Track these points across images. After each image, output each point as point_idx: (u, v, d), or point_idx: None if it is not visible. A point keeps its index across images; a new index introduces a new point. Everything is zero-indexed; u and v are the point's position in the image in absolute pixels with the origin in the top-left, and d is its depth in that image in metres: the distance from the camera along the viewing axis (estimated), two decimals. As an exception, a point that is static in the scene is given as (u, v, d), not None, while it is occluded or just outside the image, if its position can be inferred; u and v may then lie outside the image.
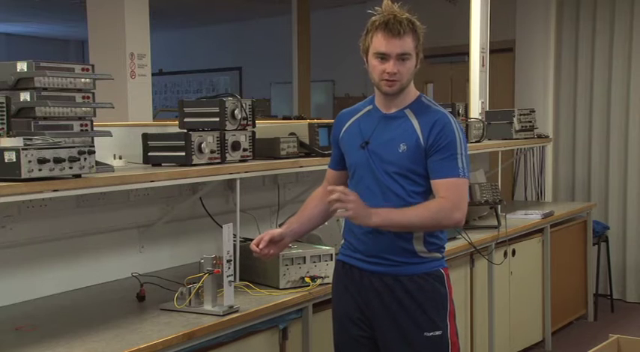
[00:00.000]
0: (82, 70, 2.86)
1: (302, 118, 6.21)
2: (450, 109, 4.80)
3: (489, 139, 5.53)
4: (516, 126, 5.70)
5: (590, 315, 6.05)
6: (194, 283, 2.86)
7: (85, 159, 2.57)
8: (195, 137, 3.18)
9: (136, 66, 5.46)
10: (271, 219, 4.07)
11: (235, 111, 3.35)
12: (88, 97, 2.86)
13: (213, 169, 3.22)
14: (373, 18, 2.57)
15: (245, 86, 11.23)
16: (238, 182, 3.32)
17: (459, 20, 7.23)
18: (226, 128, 3.31)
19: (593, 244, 6.12)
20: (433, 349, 2.64)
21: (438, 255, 2.69)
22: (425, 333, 2.62)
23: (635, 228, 6.52)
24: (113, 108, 2.97)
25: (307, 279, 3.17)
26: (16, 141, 2.46)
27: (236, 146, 3.35)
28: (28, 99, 2.68)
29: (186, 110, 3.38)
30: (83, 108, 2.83)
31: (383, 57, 2.55)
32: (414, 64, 2.59)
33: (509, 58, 7.22)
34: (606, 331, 4.82)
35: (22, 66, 2.71)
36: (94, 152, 2.63)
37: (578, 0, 6.77)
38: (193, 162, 3.17)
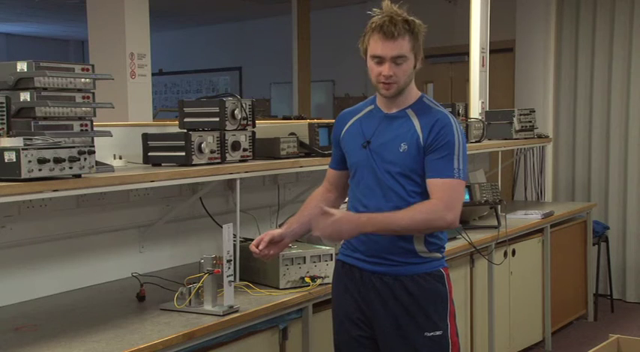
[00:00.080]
0: (82, 70, 2.86)
1: (302, 118, 6.20)
2: (450, 109, 4.80)
3: (489, 139, 5.53)
4: (516, 126, 5.70)
5: (590, 315, 6.05)
6: (194, 283, 2.86)
7: (85, 159, 2.57)
8: (195, 137, 3.18)
9: (136, 66, 5.46)
10: (271, 219, 4.07)
11: (235, 111, 3.35)
12: (88, 97, 2.86)
13: (213, 169, 3.22)
14: (372, 19, 2.57)
15: (245, 86, 11.23)
16: (238, 182, 3.32)
17: (459, 20, 7.24)
18: (226, 128, 3.31)
19: (593, 244, 6.12)
20: (433, 349, 2.64)
21: (439, 254, 2.69)
22: (425, 333, 2.62)
23: (635, 228, 6.52)
24: (113, 108, 2.97)
25: (307, 279, 3.17)
26: (16, 141, 2.46)
27: (236, 146, 3.35)
28: (28, 99, 2.68)
29: (186, 110, 3.38)
30: (83, 108, 2.83)
31: (379, 60, 2.55)
32: (412, 66, 2.58)
33: (509, 58, 7.22)
34: (606, 331, 4.84)
35: (22, 66, 2.71)
36: (94, 152, 2.63)
37: (578, 0, 6.77)
38: (193, 162, 3.17)
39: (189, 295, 2.85)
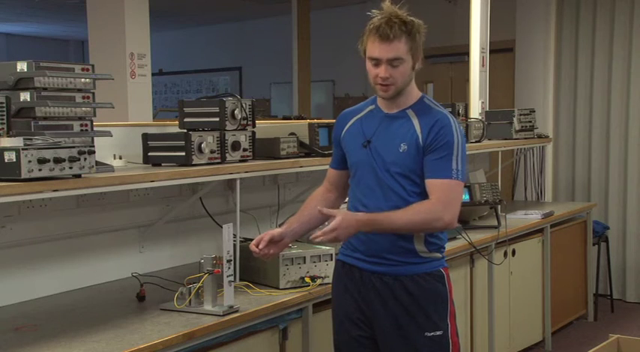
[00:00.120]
0: (82, 70, 2.86)
1: (302, 118, 6.20)
2: (450, 109, 4.80)
3: (489, 139, 5.53)
4: (516, 126, 5.70)
5: (590, 315, 6.05)
6: (194, 283, 2.86)
7: (85, 159, 2.57)
8: (195, 137, 3.18)
9: (136, 66, 5.46)
10: (271, 219, 4.07)
11: (235, 111, 3.35)
12: (88, 97, 2.86)
13: (213, 169, 3.22)
14: (371, 20, 2.57)
15: (245, 86, 11.23)
16: (238, 182, 3.32)
17: (459, 20, 7.24)
18: (226, 128, 3.31)
19: (593, 244, 6.12)
20: (434, 349, 2.64)
21: (439, 254, 2.69)
22: (425, 333, 2.63)
23: (635, 228, 6.52)
24: (113, 108, 2.97)
25: (307, 279, 3.17)
26: (16, 141, 2.46)
27: (236, 146, 3.35)
28: (28, 99, 2.68)
29: (186, 110, 3.38)
30: (83, 108, 2.83)
31: (376, 61, 2.56)
32: (409, 67, 2.57)
33: (509, 58, 7.22)
34: (606, 331, 4.84)
35: (22, 66, 2.71)
36: (94, 152, 2.63)
37: (578, 0, 6.77)
38: (193, 162, 3.17)
39: (189, 295, 2.85)
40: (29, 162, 2.40)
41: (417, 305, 2.62)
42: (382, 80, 2.56)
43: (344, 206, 2.93)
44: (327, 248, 3.28)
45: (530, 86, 7.02)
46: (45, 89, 2.72)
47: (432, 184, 2.56)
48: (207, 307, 2.81)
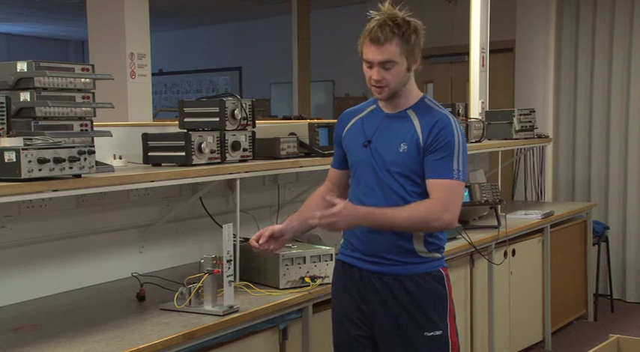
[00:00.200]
0: (82, 70, 2.86)
1: (302, 118, 6.20)
2: (450, 109, 4.80)
3: (489, 139, 5.53)
4: (516, 126, 5.70)
5: (590, 315, 6.05)
6: (194, 283, 2.86)
7: (85, 159, 2.57)
8: (195, 137, 3.18)
9: (136, 66, 5.46)
10: (271, 219, 4.07)
11: (235, 111, 3.35)
12: (88, 97, 2.86)
13: (213, 169, 3.22)
14: (369, 22, 2.58)
15: (245, 86, 11.23)
16: (238, 182, 3.32)
17: (459, 20, 7.24)
18: (226, 128, 3.31)
19: (593, 244, 6.12)
20: (433, 349, 2.64)
21: (438, 255, 2.69)
22: (425, 333, 2.63)
23: (635, 228, 6.52)
24: (113, 108, 2.97)
25: (307, 279, 3.17)
26: (16, 141, 2.46)
27: (236, 146, 3.35)
28: (28, 99, 2.68)
29: (186, 110, 3.38)
30: (83, 108, 2.83)
31: (369, 64, 2.57)
32: (403, 69, 2.57)
33: (509, 58, 7.22)
34: (606, 331, 4.84)
35: (22, 66, 2.71)
36: (94, 152, 2.63)
37: (578, 0, 6.77)
38: (193, 162, 3.17)
39: (189, 295, 2.85)
40: (29, 162, 2.40)
41: (416, 305, 2.63)
42: (376, 82, 2.58)
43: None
44: (327, 248, 3.28)
45: (530, 86, 7.03)
46: (45, 89, 2.72)
47: (432, 184, 2.57)
48: (207, 307, 2.82)
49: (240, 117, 3.36)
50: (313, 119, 6.33)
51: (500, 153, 5.71)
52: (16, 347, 2.44)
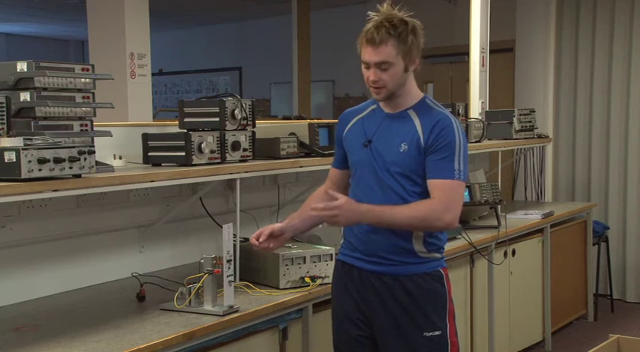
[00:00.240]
0: (82, 70, 2.86)
1: (302, 118, 6.20)
2: (450, 109, 4.79)
3: (489, 139, 5.53)
4: (516, 126, 5.70)
5: (590, 315, 6.05)
6: (194, 283, 2.86)
7: (85, 159, 2.57)
8: (195, 137, 3.18)
9: (136, 66, 5.46)
10: (271, 219, 4.07)
11: (235, 111, 3.35)
12: (88, 97, 2.86)
13: (213, 169, 3.22)
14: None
15: (245, 86, 11.23)
16: (238, 182, 3.32)
17: (459, 20, 7.24)
18: (226, 128, 3.31)
19: (593, 244, 6.12)
20: (432, 349, 2.64)
21: (438, 255, 2.69)
22: (424, 333, 2.63)
23: (635, 228, 6.52)
24: (113, 108, 2.97)
25: (307, 279, 3.17)
26: (16, 141, 2.46)
27: (236, 146, 3.35)
28: (28, 99, 2.68)
29: (186, 110, 3.38)
30: (83, 108, 2.83)
31: (366, 65, 2.58)
32: (400, 70, 2.57)
33: (509, 58, 7.22)
34: (606, 331, 4.84)
35: (22, 66, 2.71)
36: (94, 152, 2.63)
37: (578, 0, 6.77)
38: (193, 162, 3.17)
39: (189, 295, 2.85)
40: (29, 162, 2.40)
41: (415, 305, 2.63)
42: (373, 83, 2.59)
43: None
44: (327, 248, 3.28)
45: (530, 86, 7.03)
46: (45, 89, 2.72)
47: (433, 185, 2.57)
48: (207, 307, 2.82)
49: (240, 117, 3.36)
50: (313, 119, 6.33)
51: (500, 153, 5.71)
52: (16, 347, 2.44)
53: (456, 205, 2.57)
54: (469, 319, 4.45)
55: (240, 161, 3.38)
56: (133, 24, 5.48)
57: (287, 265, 3.16)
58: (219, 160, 3.27)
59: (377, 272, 2.65)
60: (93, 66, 2.89)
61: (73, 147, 2.56)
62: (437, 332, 2.64)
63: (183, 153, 3.17)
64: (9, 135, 2.52)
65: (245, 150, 3.40)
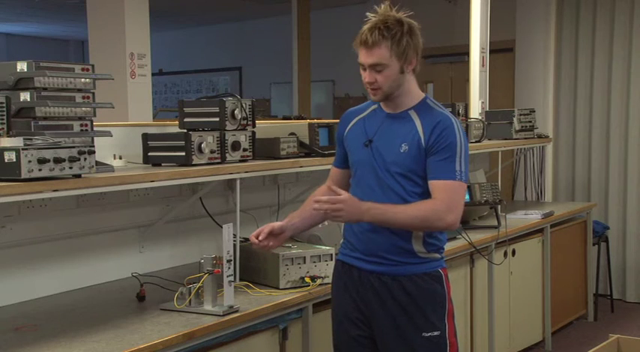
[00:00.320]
0: (82, 70, 2.86)
1: (302, 118, 6.20)
2: (450, 109, 4.79)
3: (489, 139, 5.53)
4: (516, 126, 5.70)
5: (590, 315, 6.05)
6: (194, 283, 2.86)
7: (85, 159, 2.57)
8: (195, 137, 3.18)
9: (136, 66, 5.46)
10: (271, 219, 4.06)
11: (235, 111, 3.35)
12: (88, 97, 2.86)
13: (213, 169, 3.22)
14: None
15: (245, 86, 11.23)
16: (238, 182, 3.32)
17: (459, 20, 7.24)
18: (226, 128, 3.31)
19: (593, 244, 6.12)
20: (431, 349, 2.64)
21: (437, 255, 2.70)
22: (423, 333, 2.63)
23: (635, 228, 6.52)
24: (113, 108, 2.97)
25: (307, 279, 3.17)
26: (16, 141, 2.46)
27: (236, 146, 3.35)
28: (28, 99, 2.68)
29: (186, 110, 3.38)
30: (83, 108, 2.83)
31: (362, 66, 2.59)
32: (395, 71, 2.57)
33: (509, 58, 7.22)
34: (606, 331, 4.84)
35: (22, 66, 2.71)
36: (94, 152, 2.63)
37: (578, 0, 6.77)
38: (193, 162, 3.17)
39: (189, 295, 2.85)
40: (29, 162, 2.40)
41: (414, 305, 2.63)
42: (369, 84, 2.60)
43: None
44: (327, 248, 3.28)
45: (530, 86, 7.02)
46: (45, 89, 2.72)
47: (435, 185, 2.57)
48: (207, 307, 2.82)
49: (240, 117, 3.36)
50: (313, 119, 6.33)
51: (500, 153, 5.72)
52: (16, 347, 2.44)
53: (457, 206, 2.57)
54: (469, 319, 4.45)
55: (240, 161, 3.38)
56: (133, 24, 5.48)
57: (287, 265, 3.16)
58: (219, 160, 3.27)
59: (376, 272, 2.65)
60: (93, 66, 2.89)
61: (73, 147, 2.56)
62: (436, 333, 2.64)
63: (183, 153, 3.17)
64: (9, 135, 2.52)
65: (245, 150, 3.40)
